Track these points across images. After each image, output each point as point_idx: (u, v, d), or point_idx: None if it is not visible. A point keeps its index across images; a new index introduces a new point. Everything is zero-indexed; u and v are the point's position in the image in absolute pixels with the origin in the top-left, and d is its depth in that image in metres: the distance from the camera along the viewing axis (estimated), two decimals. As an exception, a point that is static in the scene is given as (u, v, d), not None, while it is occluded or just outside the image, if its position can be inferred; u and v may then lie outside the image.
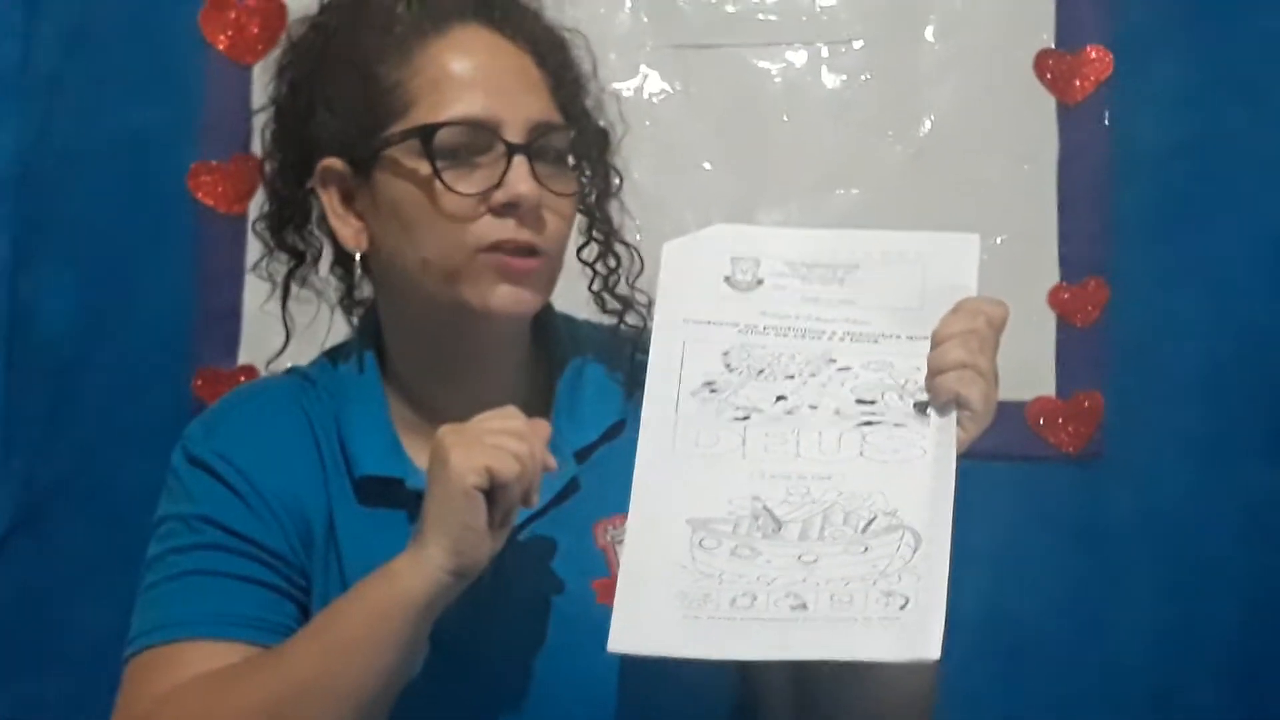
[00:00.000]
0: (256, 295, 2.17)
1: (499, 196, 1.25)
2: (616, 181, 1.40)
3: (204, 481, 1.31)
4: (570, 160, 1.33)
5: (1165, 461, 2.13)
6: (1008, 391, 2.10)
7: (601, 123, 1.39)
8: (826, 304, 1.23)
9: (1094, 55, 2.16)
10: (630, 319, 1.39)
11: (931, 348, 1.18)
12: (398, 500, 1.30)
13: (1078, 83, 2.17)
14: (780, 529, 1.15)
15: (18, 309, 2.21)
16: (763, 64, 2.22)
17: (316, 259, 1.43)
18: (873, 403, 1.19)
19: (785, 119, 2.21)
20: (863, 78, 2.21)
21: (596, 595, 1.26)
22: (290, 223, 1.40)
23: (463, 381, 1.34)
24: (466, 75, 1.27)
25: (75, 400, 2.20)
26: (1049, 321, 2.15)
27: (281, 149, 1.38)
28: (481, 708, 1.26)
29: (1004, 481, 2.07)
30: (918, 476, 1.15)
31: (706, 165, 2.21)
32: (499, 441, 1.16)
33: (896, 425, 1.18)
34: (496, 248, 1.26)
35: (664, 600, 1.13)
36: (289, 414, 1.35)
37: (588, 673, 1.20)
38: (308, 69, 1.34)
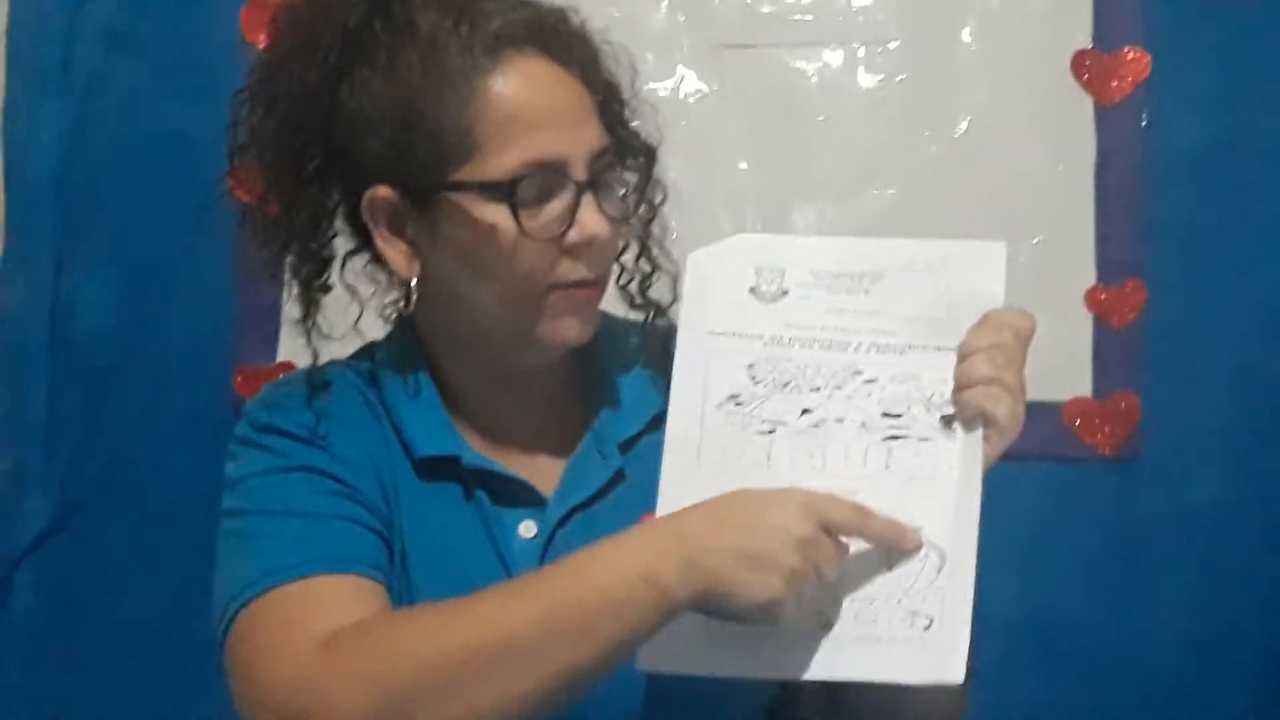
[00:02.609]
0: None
1: (573, 237, 1.25)
2: (661, 196, 1.40)
3: (284, 442, 1.30)
4: (624, 179, 1.33)
5: (1202, 463, 2.12)
6: (1044, 392, 2.09)
7: (646, 137, 1.38)
8: (852, 314, 1.21)
9: (1131, 56, 2.15)
10: (660, 320, 1.39)
11: (958, 361, 1.17)
12: (454, 476, 1.31)
13: (1115, 83, 2.16)
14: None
15: (59, 308, 2.23)
16: (799, 64, 2.22)
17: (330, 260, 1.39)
18: (899, 416, 1.17)
19: (821, 119, 2.21)
20: (899, 78, 2.21)
21: None
22: (316, 230, 1.37)
23: (510, 386, 1.35)
24: (530, 114, 1.24)
25: (116, 398, 2.22)
26: (1086, 322, 2.15)
27: (326, 168, 1.33)
28: None
29: (1040, 482, 2.07)
30: (943, 493, 1.14)
31: (742, 165, 2.22)
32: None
33: (922, 440, 1.16)
34: (571, 287, 1.27)
35: (690, 619, 1.11)
36: (346, 393, 1.35)
37: (625, 665, 1.20)
38: (342, 78, 1.29)
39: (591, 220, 1.25)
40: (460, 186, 1.24)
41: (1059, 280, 2.13)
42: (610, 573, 1.11)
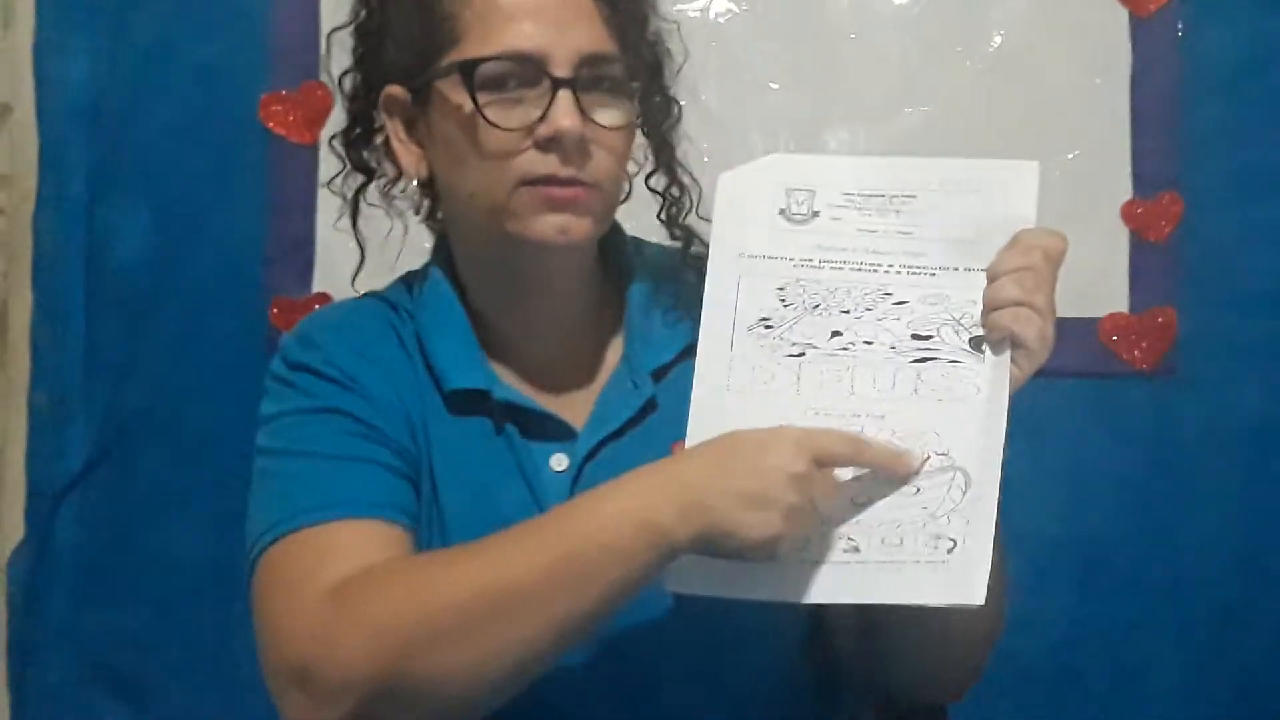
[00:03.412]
0: (329, 223, 2.20)
1: (542, 131, 1.24)
2: (677, 111, 1.39)
3: (315, 382, 1.31)
4: (630, 90, 1.31)
5: (1239, 377, 2.12)
6: (1080, 308, 2.09)
7: (661, 52, 1.37)
8: (883, 236, 1.20)
9: (1166, -34, 2.13)
10: (695, 248, 1.38)
11: (987, 282, 1.17)
12: (484, 410, 1.31)
13: (1150, -6, 2.14)
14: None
15: (94, 242, 2.24)
16: (830, -18, 2.21)
17: (390, 177, 1.43)
18: (928, 338, 1.16)
19: (853, 36, 2.19)
20: (931, -7, 2.20)
21: None
22: (365, 140, 1.41)
23: (530, 305, 1.35)
24: (515, 6, 1.26)
25: (153, 331, 2.23)
26: (1122, 237, 2.14)
27: (358, 68, 1.38)
28: None
29: (1077, 398, 2.07)
30: (971, 415, 1.14)
31: (774, 85, 2.20)
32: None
33: (952, 362, 1.15)
34: (539, 181, 1.25)
35: None
36: (379, 328, 1.36)
37: (658, 597, 1.20)
38: None
39: (561, 115, 1.24)
40: (439, 73, 1.27)
41: (1094, 195, 2.12)
42: (611, 519, 1.12)
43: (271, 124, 2.23)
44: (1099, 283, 2.10)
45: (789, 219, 1.22)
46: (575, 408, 1.33)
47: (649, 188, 1.40)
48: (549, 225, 1.26)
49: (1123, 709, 2.14)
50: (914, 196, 1.21)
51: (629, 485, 1.14)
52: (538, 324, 1.35)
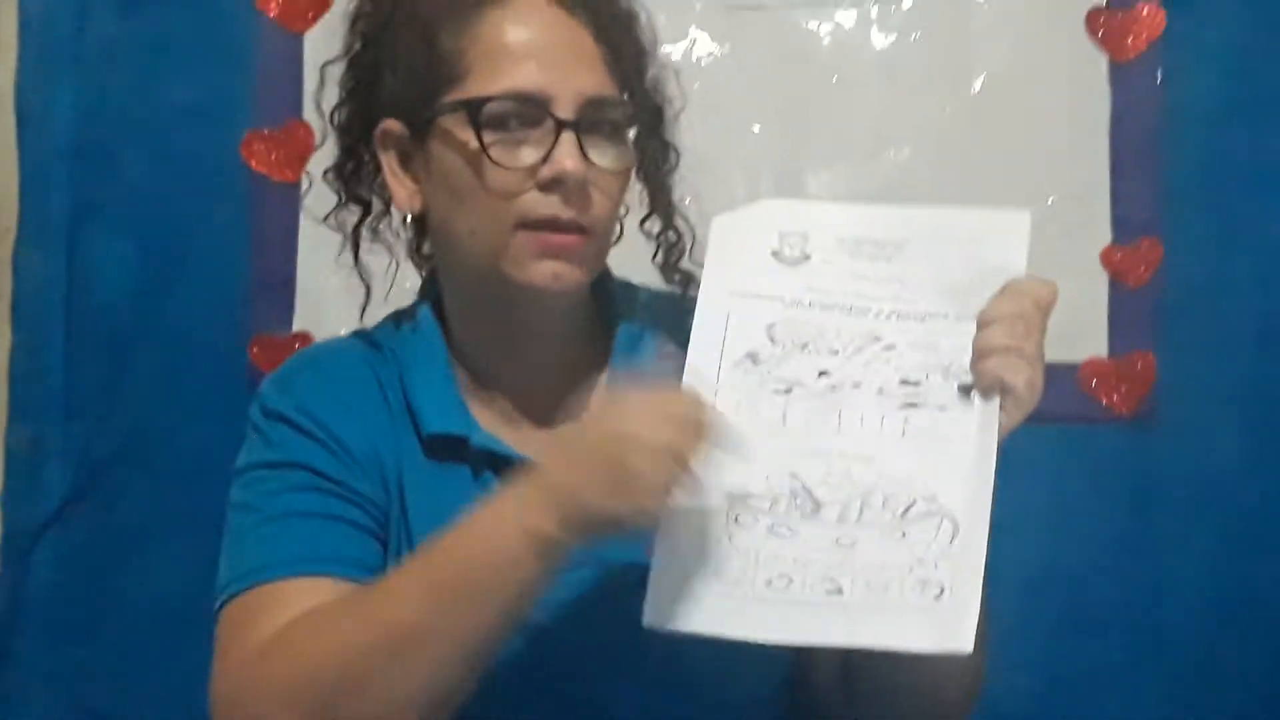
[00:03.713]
0: (310, 262, 2.21)
1: (545, 172, 1.25)
2: (675, 157, 1.40)
3: (284, 431, 1.31)
4: (628, 135, 1.32)
5: (1219, 421, 2.12)
6: (1060, 353, 2.08)
7: (660, 98, 1.39)
8: (874, 281, 1.20)
9: (1146, 12, 2.14)
10: (693, 291, 1.36)
11: (977, 330, 1.16)
12: (461, 456, 1.31)
13: (1130, 40, 2.15)
14: (819, 510, 1.13)
15: (75, 279, 2.23)
16: (811, 24, 2.21)
17: (377, 213, 1.44)
18: (917, 384, 1.16)
19: (834, 80, 2.20)
20: (912, 37, 2.20)
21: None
22: (357, 174, 1.42)
23: (518, 346, 1.35)
24: (521, 47, 1.27)
25: (133, 367, 2.23)
26: (1101, 282, 2.14)
27: (352, 101, 1.39)
28: (534, 665, 1.26)
29: (1056, 443, 2.06)
30: (959, 462, 1.13)
31: (755, 128, 2.21)
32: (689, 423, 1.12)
33: (940, 408, 1.15)
34: (539, 225, 1.26)
35: (699, 577, 1.13)
36: (358, 372, 1.36)
37: (637, 636, 1.20)
38: (377, 26, 1.35)
39: (565, 156, 1.25)
40: (442, 110, 1.27)
41: (1074, 240, 2.12)
42: (494, 536, 1.13)
43: (254, 162, 2.23)
44: (1078, 327, 2.10)
45: (781, 260, 1.22)
46: None
47: (643, 231, 1.41)
48: (544, 271, 1.27)
49: (1103, 754, 2.14)
50: (906, 243, 1.21)
51: (504, 499, 1.14)
52: (524, 365, 1.35)
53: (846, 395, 1.16)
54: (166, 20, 2.24)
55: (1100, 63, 2.16)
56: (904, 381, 1.16)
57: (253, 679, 1.18)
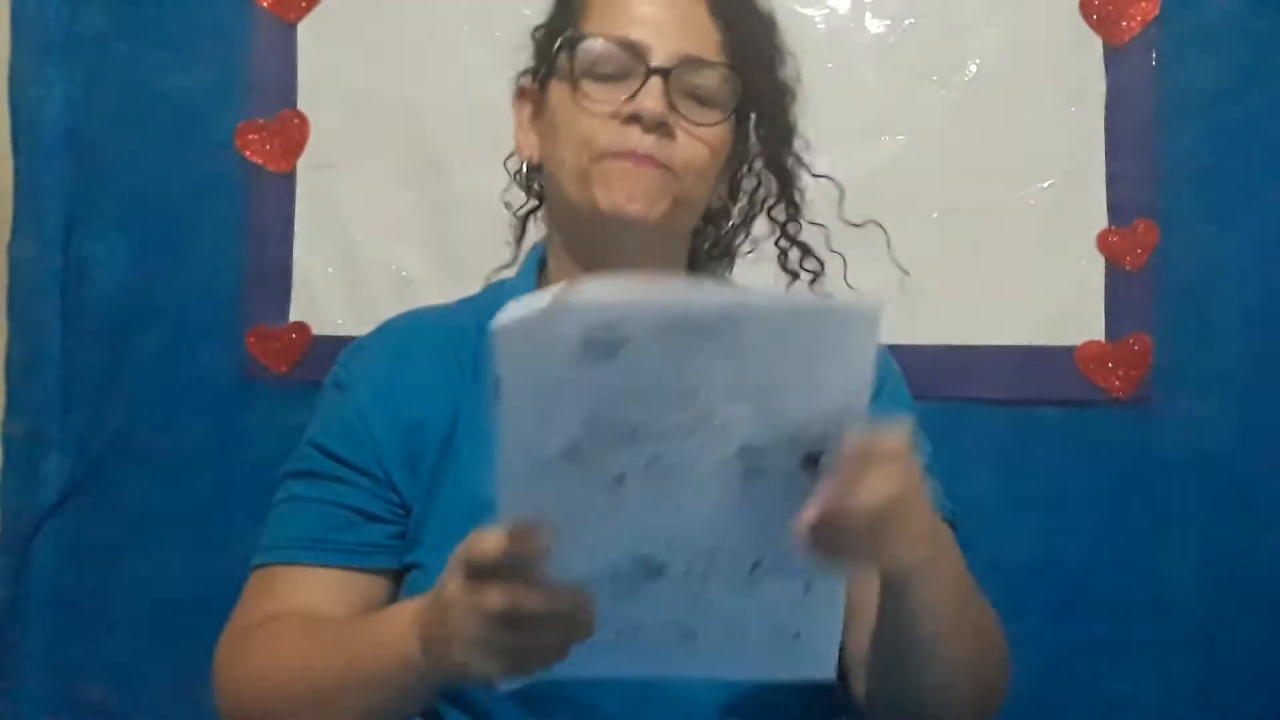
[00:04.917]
0: (306, 252, 2.21)
1: (626, 109, 1.35)
2: (801, 145, 1.50)
3: (328, 403, 1.42)
4: (728, 103, 1.39)
5: (1215, 404, 2.12)
6: (1057, 336, 2.09)
7: (778, 81, 1.47)
8: (702, 361, 1.02)
9: (1140, -5, 2.15)
10: (808, 265, 1.54)
11: (836, 485, 1.02)
12: None
13: (1124, 24, 2.15)
14: (662, 571, 1.06)
15: (71, 270, 2.23)
16: (805, 10, 2.21)
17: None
18: (760, 449, 1.04)
19: (829, 66, 2.19)
20: (906, 22, 2.20)
21: None
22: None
23: None
24: (635, 2, 1.38)
25: (130, 359, 2.23)
26: (1098, 265, 2.14)
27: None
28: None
29: (1054, 426, 2.06)
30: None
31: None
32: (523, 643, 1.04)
33: (784, 475, 1.05)
34: (619, 155, 1.35)
35: None
36: (429, 333, 1.44)
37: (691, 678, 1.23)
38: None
39: (647, 96, 1.34)
40: (559, 50, 1.40)
41: (1070, 223, 2.12)
42: (385, 647, 1.19)
43: (249, 153, 2.23)
44: (1075, 311, 2.10)
45: (590, 352, 1.01)
46: None
47: (770, 217, 1.53)
48: (621, 193, 1.35)
49: (1102, 736, 2.14)
50: (739, 321, 1.02)
51: (398, 624, 1.17)
52: None
53: (684, 475, 1.05)
54: (160, 11, 2.24)
55: (1095, 46, 2.16)
56: (745, 449, 1.05)
57: (227, 658, 1.33)
